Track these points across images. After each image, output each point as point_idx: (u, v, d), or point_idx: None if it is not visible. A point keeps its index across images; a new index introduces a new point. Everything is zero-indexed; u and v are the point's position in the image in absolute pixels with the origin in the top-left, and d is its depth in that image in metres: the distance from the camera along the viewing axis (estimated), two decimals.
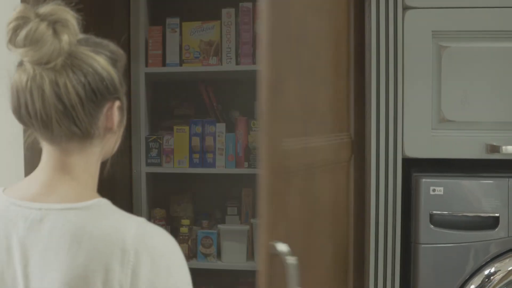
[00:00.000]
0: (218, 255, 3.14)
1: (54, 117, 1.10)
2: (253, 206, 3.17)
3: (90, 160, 1.18)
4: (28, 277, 1.11)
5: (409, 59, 2.20)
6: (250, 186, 3.16)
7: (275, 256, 1.73)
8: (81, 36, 1.14)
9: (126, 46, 3.11)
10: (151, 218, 3.17)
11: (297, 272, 1.67)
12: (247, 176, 3.10)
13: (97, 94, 1.13)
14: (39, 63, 1.08)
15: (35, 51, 1.07)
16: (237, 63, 3.09)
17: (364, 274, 2.33)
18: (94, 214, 1.12)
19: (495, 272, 2.16)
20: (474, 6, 2.17)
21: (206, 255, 3.13)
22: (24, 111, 1.11)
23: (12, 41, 1.08)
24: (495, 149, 2.16)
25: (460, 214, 2.17)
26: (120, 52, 1.20)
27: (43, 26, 1.08)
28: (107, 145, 1.21)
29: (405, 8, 2.20)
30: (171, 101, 3.41)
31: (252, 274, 2.58)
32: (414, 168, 2.31)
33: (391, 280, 2.26)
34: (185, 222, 3.16)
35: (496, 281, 2.15)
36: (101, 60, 1.13)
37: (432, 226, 2.18)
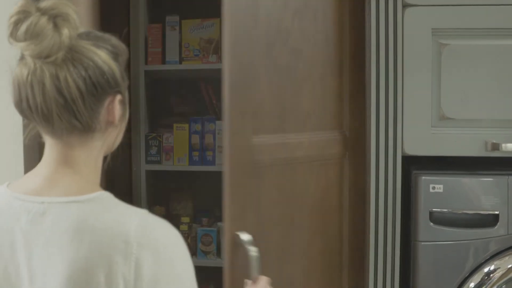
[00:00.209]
0: (218, 252, 3.14)
1: (55, 110, 1.10)
2: None
3: (92, 154, 1.18)
4: (31, 270, 1.11)
5: (409, 56, 2.20)
6: None
7: (240, 246, 1.83)
8: (82, 30, 1.14)
9: (126, 44, 3.11)
10: None
11: (259, 262, 1.74)
12: None
13: (98, 88, 1.13)
14: (39, 57, 1.08)
15: (35, 45, 1.07)
16: None
17: (364, 272, 2.34)
18: (96, 207, 1.13)
19: (494, 270, 2.16)
20: (473, 4, 2.17)
21: (206, 253, 3.14)
22: (25, 105, 1.12)
23: (13, 35, 1.09)
24: (495, 146, 2.16)
25: (460, 212, 2.17)
26: (122, 46, 1.20)
27: (43, 20, 1.08)
28: (108, 139, 1.21)
29: (405, 5, 2.20)
30: (171, 99, 3.41)
31: None
32: (414, 165, 2.31)
33: (391, 278, 2.26)
34: (185, 219, 3.17)
35: (495, 279, 2.15)
36: (102, 54, 1.14)
37: (431, 223, 2.18)
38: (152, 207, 3.23)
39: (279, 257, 2.09)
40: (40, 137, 1.19)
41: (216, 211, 3.35)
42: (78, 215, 1.11)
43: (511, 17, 2.16)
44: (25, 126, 1.20)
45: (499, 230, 2.15)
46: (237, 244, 1.86)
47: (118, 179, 3.06)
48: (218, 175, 3.23)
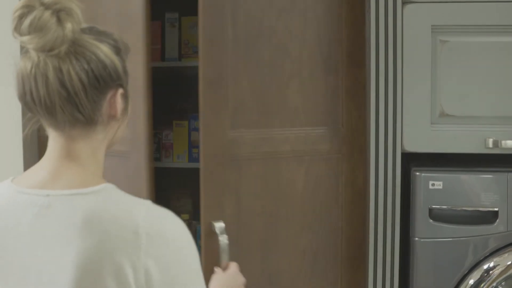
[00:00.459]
0: None
1: (58, 103, 1.12)
2: None
3: (94, 147, 1.20)
4: (39, 262, 1.13)
5: (408, 53, 2.20)
6: None
7: (214, 234, 1.98)
8: (85, 25, 1.16)
9: None
10: None
11: (228, 249, 1.88)
12: None
13: (100, 81, 1.14)
14: (43, 50, 1.10)
15: (39, 38, 1.09)
16: None
17: (363, 268, 2.34)
18: (103, 198, 1.14)
19: (494, 267, 2.16)
20: (473, 1, 2.18)
21: None
22: (29, 98, 1.13)
23: (17, 29, 1.10)
24: (494, 143, 2.16)
25: (459, 209, 2.18)
26: (123, 41, 1.22)
27: (47, 14, 1.09)
28: (111, 132, 1.23)
29: (405, 2, 2.20)
30: (170, 96, 3.41)
31: None
32: (413, 162, 2.31)
33: (390, 275, 2.26)
34: (184, 216, 3.16)
35: (495, 276, 2.15)
36: (104, 48, 1.15)
37: (431, 220, 2.18)
38: None
39: (262, 248, 2.20)
40: (43, 130, 1.20)
41: None
42: (85, 208, 1.12)
43: (511, 13, 2.16)
44: (28, 120, 1.21)
45: (498, 227, 2.15)
46: (213, 232, 2.00)
47: None
48: None
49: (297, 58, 2.24)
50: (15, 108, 1.97)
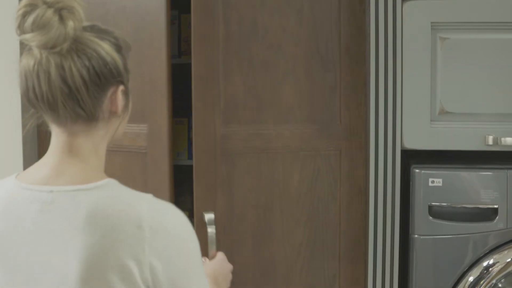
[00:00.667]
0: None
1: (60, 99, 1.15)
2: None
3: (96, 142, 1.22)
4: (43, 258, 1.15)
5: (408, 50, 2.20)
6: None
7: (205, 224, 2.10)
8: (86, 23, 1.19)
9: None
10: None
11: (215, 239, 1.99)
12: None
13: (101, 77, 1.17)
14: (45, 47, 1.13)
15: (42, 36, 1.12)
16: None
17: (362, 264, 2.34)
18: (106, 193, 1.16)
19: (493, 264, 2.16)
20: None
21: None
22: (32, 94, 1.16)
23: (20, 26, 1.13)
24: (494, 140, 2.16)
25: (459, 206, 2.18)
26: (124, 39, 1.25)
27: (49, 12, 1.12)
28: (112, 128, 1.25)
29: None
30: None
31: None
32: (413, 159, 2.31)
33: (390, 272, 2.26)
34: (185, 214, 3.16)
35: (494, 273, 2.16)
36: (105, 46, 1.18)
37: (431, 217, 2.18)
38: None
39: (256, 240, 2.29)
40: (46, 126, 1.23)
41: None
42: (88, 203, 1.14)
43: (510, 11, 2.16)
44: (29, 116, 1.23)
45: (498, 224, 2.15)
46: (204, 223, 2.12)
47: None
48: None
49: (292, 56, 2.30)
50: (15, 105, 1.99)
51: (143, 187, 2.26)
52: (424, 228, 2.20)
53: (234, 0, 2.25)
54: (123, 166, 2.32)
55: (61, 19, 1.13)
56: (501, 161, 2.24)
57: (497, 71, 2.18)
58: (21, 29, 1.13)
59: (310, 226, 2.34)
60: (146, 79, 2.28)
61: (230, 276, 1.65)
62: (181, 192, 3.33)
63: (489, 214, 2.16)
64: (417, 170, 2.20)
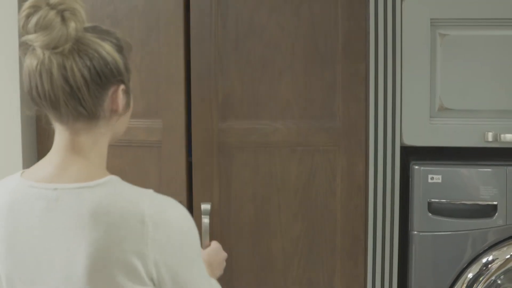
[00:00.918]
0: None
1: (62, 98, 1.19)
2: None
3: (97, 140, 1.26)
4: (49, 255, 1.18)
5: (407, 47, 2.20)
6: None
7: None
8: (88, 24, 1.23)
9: None
10: None
11: (209, 230, 2.18)
12: None
13: (102, 77, 1.21)
14: (48, 48, 1.17)
15: (44, 36, 1.16)
16: None
17: (360, 260, 2.34)
18: (109, 190, 1.20)
19: (493, 260, 2.16)
20: None
21: None
22: (35, 93, 1.21)
23: (24, 27, 1.18)
24: (494, 137, 2.16)
25: (458, 202, 2.18)
26: (125, 40, 1.29)
27: (52, 14, 1.17)
28: (112, 127, 1.29)
29: None
30: None
31: None
32: (412, 156, 2.31)
33: (389, 268, 2.26)
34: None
35: (494, 269, 2.16)
36: (106, 46, 1.22)
37: (430, 214, 2.19)
38: None
39: (253, 232, 2.37)
40: (49, 124, 1.27)
41: None
42: (91, 200, 1.17)
43: (510, 7, 2.15)
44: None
45: (497, 220, 2.16)
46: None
47: None
48: None
49: (290, 52, 2.33)
50: (15, 105, 2.00)
51: (157, 181, 2.34)
52: (424, 225, 2.20)
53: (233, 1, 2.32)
54: (135, 161, 2.37)
55: (63, 20, 1.17)
56: (501, 158, 2.24)
57: (496, 67, 2.18)
58: (25, 29, 1.17)
59: (308, 220, 2.36)
60: (161, 75, 2.34)
61: (224, 264, 1.69)
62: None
63: (489, 211, 2.16)
64: (416, 167, 2.20)
